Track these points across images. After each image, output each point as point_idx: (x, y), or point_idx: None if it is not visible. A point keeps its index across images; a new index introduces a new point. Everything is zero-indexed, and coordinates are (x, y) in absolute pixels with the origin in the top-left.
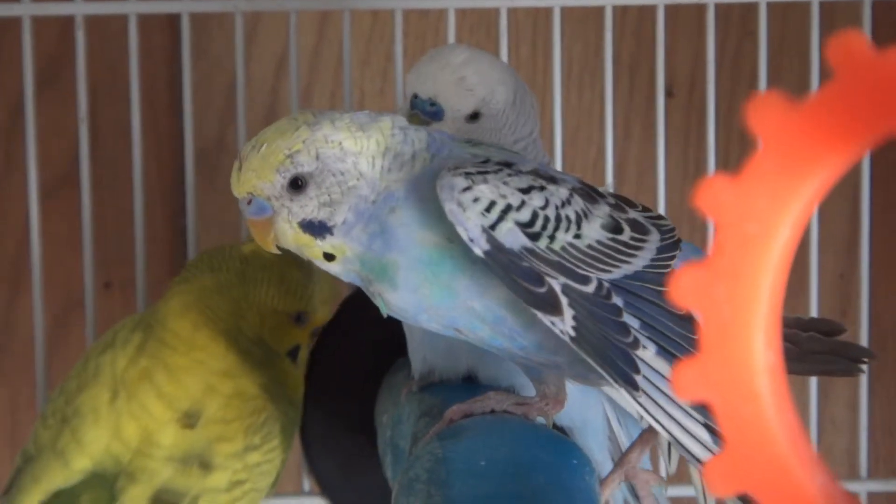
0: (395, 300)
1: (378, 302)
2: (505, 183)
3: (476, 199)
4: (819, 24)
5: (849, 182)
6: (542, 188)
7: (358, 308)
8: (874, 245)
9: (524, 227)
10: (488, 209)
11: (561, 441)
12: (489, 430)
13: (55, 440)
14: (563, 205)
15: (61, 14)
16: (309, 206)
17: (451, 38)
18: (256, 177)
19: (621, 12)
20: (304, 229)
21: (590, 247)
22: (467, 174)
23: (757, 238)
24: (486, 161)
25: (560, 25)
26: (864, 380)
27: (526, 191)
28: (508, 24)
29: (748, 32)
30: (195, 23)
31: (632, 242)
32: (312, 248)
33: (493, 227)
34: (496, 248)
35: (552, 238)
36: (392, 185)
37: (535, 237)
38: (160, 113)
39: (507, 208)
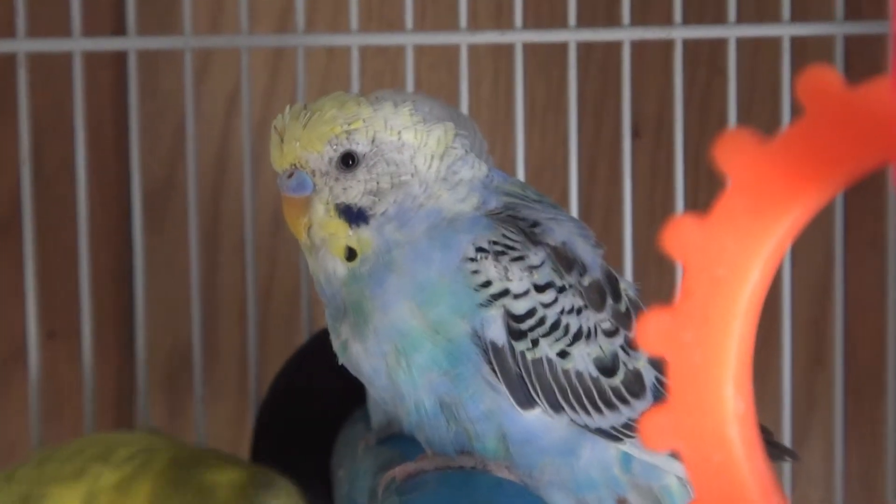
0: (357, 353)
1: (337, 347)
2: (524, 269)
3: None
4: (790, 60)
5: (821, 224)
6: (561, 289)
7: (313, 356)
8: (848, 290)
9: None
10: (483, 285)
11: (525, 496)
12: (451, 483)
13: None
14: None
15: (3, 51)
16: (353, 190)
17: (410, 76)
18: (302, 146)
19: (586, 49)
20: (339, 213)
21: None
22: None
23: (726, 281)
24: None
25: (522, 63)
26: (838, 430)
27: (542, 288)
28: (469, 61)
29: (717, 69)
30: (143, 60)
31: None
32: (338, 239)
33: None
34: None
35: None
36: (440, 202)
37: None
38: (106, 153)
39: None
